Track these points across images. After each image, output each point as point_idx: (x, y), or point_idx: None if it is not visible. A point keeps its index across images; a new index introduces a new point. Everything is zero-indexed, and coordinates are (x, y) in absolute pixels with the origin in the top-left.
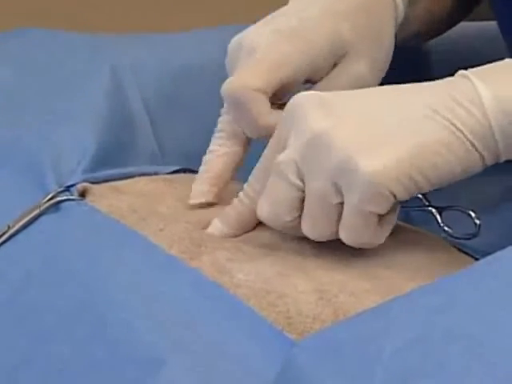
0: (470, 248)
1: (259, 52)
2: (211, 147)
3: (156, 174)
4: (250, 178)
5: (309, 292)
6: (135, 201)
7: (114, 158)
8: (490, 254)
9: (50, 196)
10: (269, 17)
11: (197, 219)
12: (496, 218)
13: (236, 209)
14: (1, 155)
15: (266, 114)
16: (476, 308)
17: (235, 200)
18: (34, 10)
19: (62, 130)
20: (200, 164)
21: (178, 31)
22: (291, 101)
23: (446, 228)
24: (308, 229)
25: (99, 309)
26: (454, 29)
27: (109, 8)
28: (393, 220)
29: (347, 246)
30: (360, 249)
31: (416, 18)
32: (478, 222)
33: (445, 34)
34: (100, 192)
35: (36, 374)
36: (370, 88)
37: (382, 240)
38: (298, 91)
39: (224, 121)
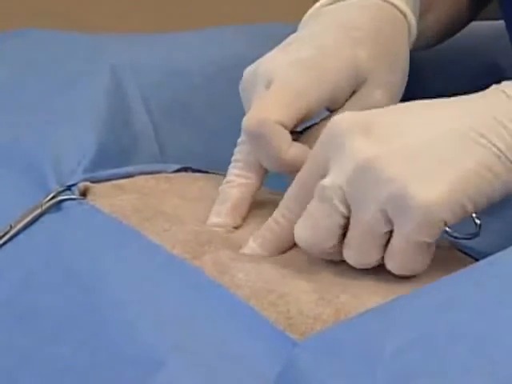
0: (471, 248)
1: (278, 83)
2: (228, 178)
3: (157, 172)
4: (285, 197)
5: (309, 292)
6: (138, 200)
7: (114, 158)
8: (490, 254)
9: (51, 195)
10: (282, 45)
11: (204, 220)
12: (497, 218)
13: (272, 230)
14: (1, 155)
15: (287, 148)
16: (478, 307)
17: (270, 221)
18: (34, 10)
19: (62, 130)
20: (200, 164)
21: (178, 31)
22: (331, 123)
23: (446, 228)
24: (352, 256)
25: (99, 309)
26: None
27: (109, 8)
28: (435, 244)
29: None
30: None
31: (428, 27)
32: (478, 221)
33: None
34: (101, 191)
35: (36, 374)
36: (410, 103)
37: (426, 266)
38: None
39: (241, 151)
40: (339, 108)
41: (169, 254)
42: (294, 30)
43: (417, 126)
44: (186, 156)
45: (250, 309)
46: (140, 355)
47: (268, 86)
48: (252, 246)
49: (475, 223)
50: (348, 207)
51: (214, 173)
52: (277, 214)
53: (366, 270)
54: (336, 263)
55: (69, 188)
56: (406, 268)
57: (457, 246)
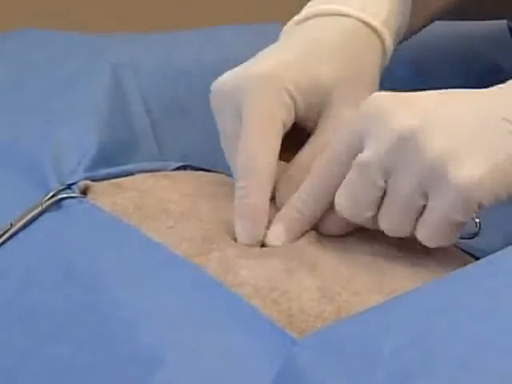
0: (470, 248)
1: (245, 108)
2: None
3: (157, 170)
4: (308, 179)
5: (312, 290)
6: (139, 198)
7: (114, 158)
8: (490, 253)
9: (51, 194)
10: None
11: (211, 217)
12: (496, 218)
13: (295, 206)
14: (1, 155)
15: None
16: (477, 307)
17: (294, 199)
18: (34, 10)
19: (62, 130)
20: (199, 164)
21: (178, 31)
22: (369, 100)
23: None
24: (386, 225)
25: (99, 308)
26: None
27: (109, 8)
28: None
29: (354, 245)
30: (367, 246)
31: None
32: (478, 221)
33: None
34: (101, 190)
35: (36, 374)
36: (446, 91)
37: (454, 241)
38: None
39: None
40: (311, 132)
41: (169, 253)
42: None
43: (453, 107)
44: (186, 155)
45: (249, 307)
46: (140, 354)
47: (238, 110)
48: (278, 227)
49: (475, 222)
50: (386, 179)
51: (213, 171)
52: (300, 191)
53: (369, 266)
54: (344, 255)
55: (69, 187)
56: (435, 241)
57: (457, 244)
